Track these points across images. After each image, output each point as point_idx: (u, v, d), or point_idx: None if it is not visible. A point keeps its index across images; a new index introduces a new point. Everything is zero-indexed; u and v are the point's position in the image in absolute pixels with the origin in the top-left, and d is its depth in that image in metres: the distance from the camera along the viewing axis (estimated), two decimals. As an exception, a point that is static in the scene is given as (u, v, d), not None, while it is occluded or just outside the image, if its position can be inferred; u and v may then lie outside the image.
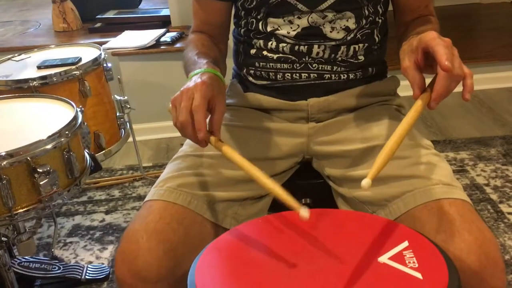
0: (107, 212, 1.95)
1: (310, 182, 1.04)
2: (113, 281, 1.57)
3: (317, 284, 0.64)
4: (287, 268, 0.68)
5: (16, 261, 1.53)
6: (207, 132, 0.81)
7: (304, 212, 0.68)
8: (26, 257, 1.57)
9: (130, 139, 1.70)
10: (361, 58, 0.99)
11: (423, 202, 0.83)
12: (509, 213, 1.73)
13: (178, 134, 0.84)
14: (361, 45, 0.98)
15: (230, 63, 1.09)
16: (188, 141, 1.01)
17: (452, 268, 0.64)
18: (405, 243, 0.69)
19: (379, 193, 0.89)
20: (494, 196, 1.82)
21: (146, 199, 0.90)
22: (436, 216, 0.80)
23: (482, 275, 0.74)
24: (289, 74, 1.00)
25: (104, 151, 1.48)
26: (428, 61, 0.78)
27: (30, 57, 1.57)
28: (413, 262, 0.65)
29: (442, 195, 0.82)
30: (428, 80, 0.78)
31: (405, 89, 1.01)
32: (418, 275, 0.63)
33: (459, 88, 0.76)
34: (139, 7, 2.96)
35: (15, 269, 1.47)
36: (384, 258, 0.67)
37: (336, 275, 0.65)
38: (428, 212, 0.81)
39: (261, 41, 1.00)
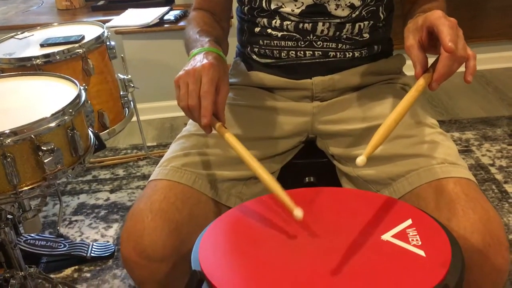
0: (111, 191, 1.96)
1: (314, 161, 1.03)
2: (118, 258, 1.59)
3: (320, 260, 0.64)
4: (290, 245, 0.68)
5: (22, 239, 1.55)
6: (212, 115, 0.81)
7: (298, 213, 0.68)
8: (32, 235, 1.59)
9: (134, 118, 1.70)
10: (366, 35, 0.98)
11: (428, 181, 0.82)
12: (513, 193, 1.72)
13: (182, 113, 0.84)
14: (366, 22, 0.97)
15: (232, 41, 1.08)
16: (191, 120, 1.01)
17: (456, 246, 0.64)
18: (409, 221, 0.69)
19: (383, 172, 0.89)
20: (499, 176, 1.82)
21: (151, 178, 0.90)
22: (440, 194, 0.80)
23: (486, 253, 0.74)
24: (294, 52, 0.99)
25: (108, 130, 1.48)
26: (432, 41, 0.77)
27: (33, 35, 1.56)
28: (416, 240, 0.66)
29: (447, 174, 0.82)
30: (431, 61, 0.77)
31: (411, 69, 1.00)
32: (421, 252, 0.63)
33: (464, 68, 0.75)
34: (143, -15, 2.92)
35: (21, 247, 1.49)
36: (387, 236, 0.67)
37: (339, 252, 0.65)
38: (432, 190, 0.81)
39: (265, 19, 0.99)
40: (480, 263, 0.74)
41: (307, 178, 1.01)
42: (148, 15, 2.34)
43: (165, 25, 2.29)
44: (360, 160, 0.65)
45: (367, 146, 0.68)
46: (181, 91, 0.81)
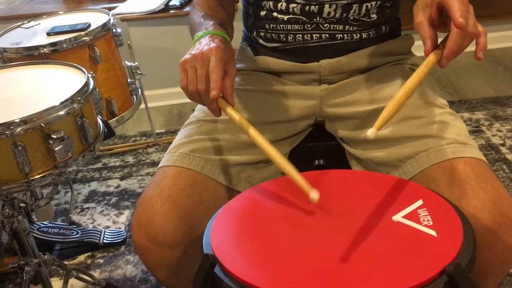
0: (122, 178, 1.97)
1: (323, 144, 1.03)
2: (130, 244, 1.61)
3: (331, 242, 0.64)
4: (301, 227, 0.68)
5: (35, 227, 1.57)
6: (220, 97, 0.80)
7: (314, 195, 0.68)
8: (45, 223, 1.61)
9: (142, 105, 1.70)
10: (374, 16, 0.97)
11: (437, 162, 0.82)
12: (524, 173, 1.71)
13: (190, 100, 0.84)
14: (373, 3, 0.95)
15: (238, 26, 1.07)
16: (199, 106, 1.01)
17: (467, 225, 0.64)
18: (420, 202, 0.69)
19: (392, 154, 0.88)
20: (510, 156, 1.80)
21: (160, 165, 0.91)
22: (450, 175, 0.79)
23: (497, 232, 0.74)
24: (300, 36, 0.98)
25: (116, 118, 1.48)
26: (442, 18, 0.76)
27: (39, 24, 1.56)
28: (428, 220, 0.65)
29: (456, 154, 0.81)
30: (440, 39, 0.76)
31: (420, 49, 0.99)
32: (433, 232, 0.63)
33: (474, 47, 0.74)
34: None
35: (34, 234, 1.51)
36: (398, 217, 0.67)
37: (350, 233, 0.65)
38: (442, 171, 0.81)
39: (271, 2, 0.98)
40: (491, 243, 0.74)
41: (316, 161, 1.00)
42: (153, 1, 2.32)
43: (171, 11, 2.28)
44: (371, 132, 0.65)
45: (378, 119, 0.67)
46: (188, 75, 0.81)
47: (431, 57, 0.74)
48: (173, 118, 2.39)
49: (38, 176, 0.96)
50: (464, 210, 0.72)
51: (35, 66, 1.20)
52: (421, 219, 0.66)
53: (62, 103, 0.96)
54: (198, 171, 0.88)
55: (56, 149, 0.95)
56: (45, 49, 1.34)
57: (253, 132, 0.78)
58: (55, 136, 0.94)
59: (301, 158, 1.02)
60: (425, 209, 0.68)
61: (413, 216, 0.67)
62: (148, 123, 2.07)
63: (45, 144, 0.95)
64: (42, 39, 1.43)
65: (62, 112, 0.96)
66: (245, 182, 0.93)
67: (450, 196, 0.75)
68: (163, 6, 2.28)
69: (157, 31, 2.33)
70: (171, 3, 2.31)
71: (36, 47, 1.34)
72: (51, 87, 1.09)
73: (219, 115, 0.83)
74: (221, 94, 0.81)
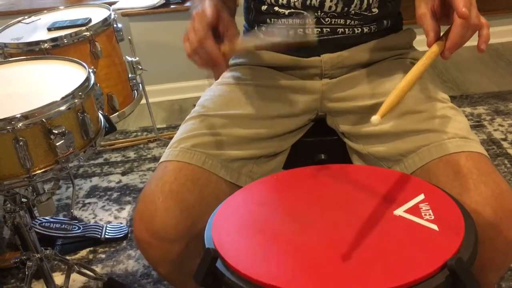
0: (123, 173, 1.98)
1: (324, 138, 1.03)
2: (132, 240, 1.61)
3: (332, 236, 0.64)
4: (302, 221, 0.68)
5: (37, 222, 1.57)
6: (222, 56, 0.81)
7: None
8: (47, 218, 1.61)
9: (143, 101, 1.70)
10: (375, 10, 0.97)
11: (439, 156, 0.82)
12: (526, 168, 1.71)
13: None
14: (375, -4, 0.95)
15: (240, 21, 1.07)
16: (200, 101, 1.01)
17: (469, 219, 0.64)
18: (421, 196, 0.69)
19: (394, 148, 0.88)
20: (511, 151, 1.80)
21: (161, 160, 0.91)
22: (452, 169, 0.79)
23: (499, 227, 0.74)
24: (302, 30, 0.98)
25: (118, 113, 1.48)
26: (444, 10, 0.76)
27: (40, 19, 1.56)
28: (429, 215, 0.66)
29: (458, 148, 0.81)
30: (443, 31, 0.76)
31: (422, 44, 0.99)
32: (434, 226, 0.63)
33: (475, 42, 0.74)
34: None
35: (36, 230, 1.51)
36: (399, 211, 0.67)
37: (351, 228, 0.65)
38: (444, 166, 0.80)
39: (272, -4, 0.97)
40: (492, 237, 0.74)
41: (317, 156, 1.00)
42: (154, -4, 2.32)
43: (172, 6, 2.28)
44: (375, 119, 0.63)
45: (381, 106, 0.65)
46: (190, 45, 0.82)
47: (434, 48, 0.74)
48: (174, 113, 2.39)
49: (39, 171, 0.97)
50: (465, 204, 0.72)
51: (36, 61, 1.20)
52: (423, 213, 0.66)
53: (63, 98, 0.96)
54: (199, 166, 0.88)
55: (57, 144, 0.95)
56: (46, 45, 1.34)
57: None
58: (56, 131, 0.94)
59: (302, 153, 1.02)
60: (427, 203, 0.68)
61: (414, 210, 0.67)
62: (149, 118, 2.07)
63: (46, 139, 0.95)
64: (42, 35, 1.43)
65: (63, 107, 0.96)
66: (247, 177, 0.93)
67: (452, 191, 0.75)
68: (164, 1, 2.28)
69: (158, 26, 2.33)
70: (171, -2, 2.31)
71: (37, 43, 1.34)
72: (52, 82, 1.09)
73: (226, 68, 0.84)
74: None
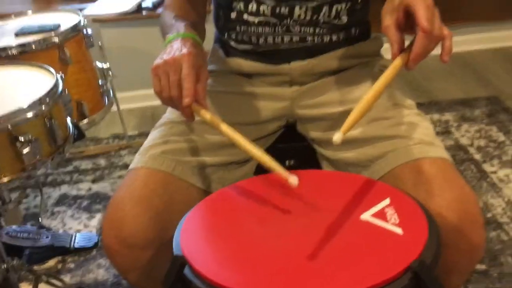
0: (93, 181, 1.95)
1: (294, 145, 1.04)
2: (102, 248, 1.59)
3: (300, 241, 0.65)
4: (270, 227, 0.69)
5: (3, 231, 1.53)
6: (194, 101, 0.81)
7: (293, 180, 0.69)
8: (14, 227, 1.57)
9: (115, 107, 1.68)
10: (344, 18, 0.98)
11: (405, 161, 0.84)
12: (492, 172, 1.76)
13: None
14: (343, 4, 0.97)
15: (211, 27, 1.07)
16: (170, 108, 1.00)
17: (433, 223, 0.66)
18: (387, 200, 0.70)
19: (363, 154, 0.90)
20: (477, 156, 1.85)
21: (130, 167, 0.90)
22: (417, 174, 0.81)
23: (462, 230, 0.76)
24: (271, 38, 0.99)
25: (87, 120, 1.47)
26: (409, 21, 0.78)
27: (7, 24, 1.53)
28: (394, 219, 0.67)
29: (423, 154, 0.83)
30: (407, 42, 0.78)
31: (389, 52, 1.01)
32: (399, 230, 0.65)
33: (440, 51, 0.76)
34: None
35: (2, 239, 1.48)
36: (366, 215, 0.68)
37: (319, 232, 0.66)
38: (409, 171, 0.82)
39: (241, 4, 0.98)
40: (456, 241, 0.76)
41: (287, 162, 1.01)
42: (125, 2, 2.30)
43: (143, 12, 2.27)
44: (337, 137, 0.66)
45: (344, 123, 0.68)
46: (162, 82, 0.81)
47: (398, 60, 0.76)
48: (146, 120, 2.37)
49: (5, 180, 0.95)
50: (430, 208, 0.73)
51: (3, 67, 1.18)
52: (388, 218, 0.67)
53: (30, 105, 0.95)
54: (169, 172, 0.88)
55: (24, 152, 0.93)
56: (13, 50, 1.31)
57: (226, 128, 0.79)
58: (22, 139, 0.93)
59: (273, 159, 1.02)
60: (392, 207, 0.69)
61: (380, 214, 0.68)
62: (120, 125, 2.05)
63: (13, 147, 0.93)
64: (10, 40, 1.40)
65: (30, 114, 0.95)
66: (217, 183, 0.94)
67: (417, 195, 0.77)
68: (136, 8, 2.27)
69: (130, 32, 2.31)
70: (143, 5, 2.29)
71: (4, 48, 1.32)
72: (19, 89, 1.08)
73: (193, 120, 0.83)
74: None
